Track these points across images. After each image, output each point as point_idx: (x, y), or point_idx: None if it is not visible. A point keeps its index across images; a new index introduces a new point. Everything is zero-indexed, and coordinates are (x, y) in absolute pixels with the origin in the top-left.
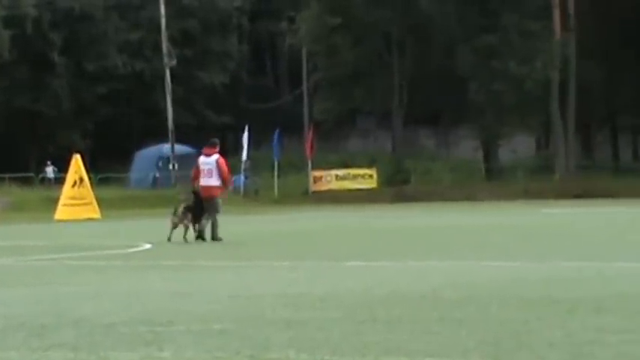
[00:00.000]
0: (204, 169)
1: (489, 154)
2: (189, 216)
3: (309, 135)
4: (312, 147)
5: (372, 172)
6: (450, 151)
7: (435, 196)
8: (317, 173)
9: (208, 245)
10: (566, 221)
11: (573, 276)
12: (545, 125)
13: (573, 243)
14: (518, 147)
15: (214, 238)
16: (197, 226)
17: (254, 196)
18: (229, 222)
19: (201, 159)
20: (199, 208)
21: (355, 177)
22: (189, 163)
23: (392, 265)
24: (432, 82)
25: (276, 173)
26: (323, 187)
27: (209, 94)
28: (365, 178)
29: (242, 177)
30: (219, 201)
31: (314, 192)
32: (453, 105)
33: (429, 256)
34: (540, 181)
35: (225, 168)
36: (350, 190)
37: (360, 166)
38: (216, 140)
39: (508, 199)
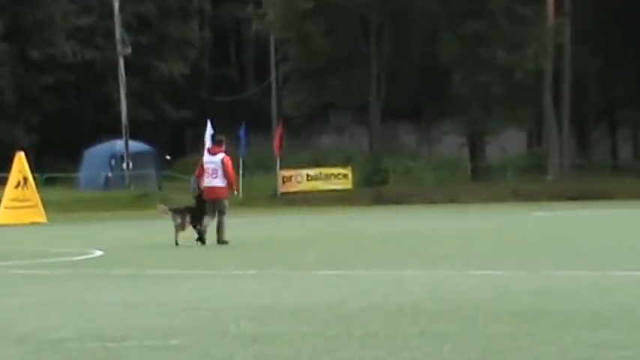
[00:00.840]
0: (208, 169)
1: (475, 152)
2: (187, 217)
3: (277, 131)
4: (280, 144)
5: (347, 171)
6: (433, 148)
7: (416, 198)
8: (286, 173)
9: (174, 252)
10: (559, 225)
11: (567, 286)
12: (537, 120)
13: (567, 250)
14: (507, 144)
15: (220, 240)
16: (198, 228)
17: None
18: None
19: (206, 157)
20: (200, 210)
21: (328, 177)
22: (144, 161)
23: (368, 275)
24: (413, 73)
25: (241, 173)
26: (293, 188)
27: (167, 86)
28: (339, 179)
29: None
30: (226, 202)
31: (283, 193)
32: (436, 98)
33: (409, 265)
34: (531, 181)
35: (231, 168)
36: (322, 192)
37: (333, 165)
38: (223, 137)
39: (496, 201)
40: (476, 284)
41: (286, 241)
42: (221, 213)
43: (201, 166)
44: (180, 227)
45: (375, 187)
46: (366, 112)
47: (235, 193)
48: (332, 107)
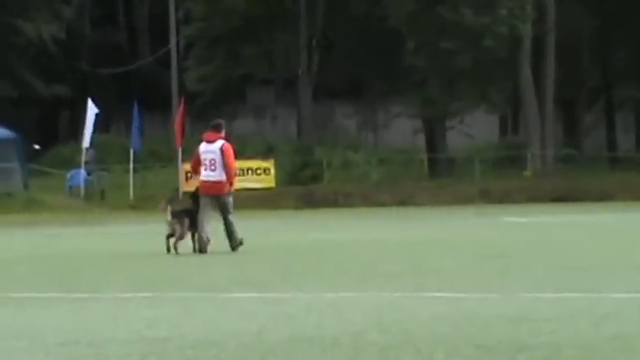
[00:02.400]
0: (205, 160)
1: (434, 141)
2: (186, 220)
3: (178, 113)
4: (183, 130)
5: (269, 165)
6: (379, 135)
7: (358, 200)
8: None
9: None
10: (541, 234)
11: (550, 312)
12: (512, 100)
13: (551, 265)
14: (475, 130)
15: (235, 248)
16: (195, 235)
17: (99, 199)
18: (62, 235)
19: (202, 147)
20: (197, 212)
21: (245, 172)
22: (4, 152)
23: (294, 297)
24: (354, 39)
25: (131, 167)
26: None
27: (35, 54)
28: (259, 175)
29: (82, 172)
30: (230, 200)
31: (186, 193)
32: (383, 71)
33: (347, 285)
34: (506, 178)
35: (230, 156)
36: (237, 191)
37: (251, 157)
38: (221, 122)
39: (460, 204)
40: (433, 309)
41: (189, 254)
42: (225, 213)
43: (197, 156)
44: (179, 237)
45: (305, 186)
46: (293, 88)
47: (232, 189)
48: (249, 82)
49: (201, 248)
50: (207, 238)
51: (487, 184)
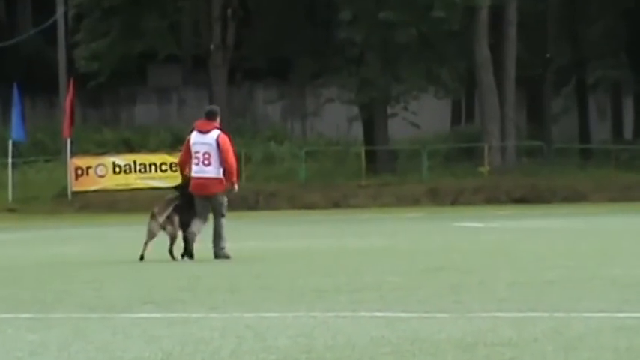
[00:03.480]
0: (197, 153)
1: (373, 131)
2: (176, 220)
3: (67, 97)
4: (72, 117)
5: (177, 159)
6: (308, 124)
7: (282, 201)
8: (81, 162)
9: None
10: (499, 242)
11: (510, 335)
12: (467, 82)
13: (511, 279)
14: (422, 118)
15: (218, 254)
16: (185, 234)
17: None
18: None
19: (194, 137)
20: (187, 208)
21: (147, 169)
22: None
23: (206, 318)
24: (277, 9)
25: (10, 162)
26: (92, 185)
27: None
28: (164, 172)
29: None
30: (224, 200)
31: (76, 193)
32: (312, 47)
33: (270, 303)
34: (458, 174)
35: (229, 150)
36: (138, 191)
37: (155, 151)
38: (216, 108)
39: (404, 206)
40: (373, 332)
41: (81, 266)
42: (218, 215)
43: (187, 148)
44: (172, 238)
45: None
46: (204, 68)
47: (235, 189)
48: (152, 60)
49: (187, 248)
50: (193, 237)
51: (436, 183)
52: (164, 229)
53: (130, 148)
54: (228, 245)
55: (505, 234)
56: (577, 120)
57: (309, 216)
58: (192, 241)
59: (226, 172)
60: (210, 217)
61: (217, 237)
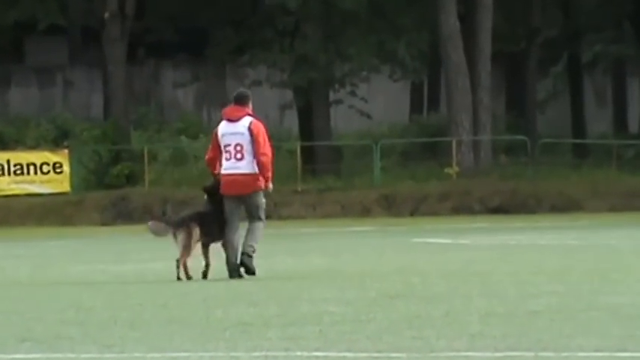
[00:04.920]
0: (228, 146)
1: (312, 121)
2: (196, 229)
3: None
4: None
5: (62, 158)
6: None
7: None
8: None
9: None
10: (471, 262)
11: None
12: (430, 60)
13: (487, 309)
14: (373, 106)
15: (248, 268)
16: (206, 249)
17: None
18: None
19: (222, 128)
20: (216, 216)
21: (25, 171)
22: None
23: None
24: None
25: None
26: None
27: None
28: (45, 174)
29: None
30: (262, 201)
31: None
32: (234, 17)
33: (181, 340)
34: (419, 177)
35: (265, 141)
36: (12, 198)
37: (34, 148)
38: (247, 92)
39: (351, 216)
40: None
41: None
42: (253, 218)
43: (216, 142)
44: (186, 249)
45: (116, 189)
46: (96, 42)
47: (269, 188)
48: (29, 33)
49: (234, 266)
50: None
51: (392, 188)
52: (175, 236)
53: (2, 143)
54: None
55: (479, 252)
56: (569, 108)
57: None
58: (233, 248)
59: (260, 166)
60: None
61: (248, 241)
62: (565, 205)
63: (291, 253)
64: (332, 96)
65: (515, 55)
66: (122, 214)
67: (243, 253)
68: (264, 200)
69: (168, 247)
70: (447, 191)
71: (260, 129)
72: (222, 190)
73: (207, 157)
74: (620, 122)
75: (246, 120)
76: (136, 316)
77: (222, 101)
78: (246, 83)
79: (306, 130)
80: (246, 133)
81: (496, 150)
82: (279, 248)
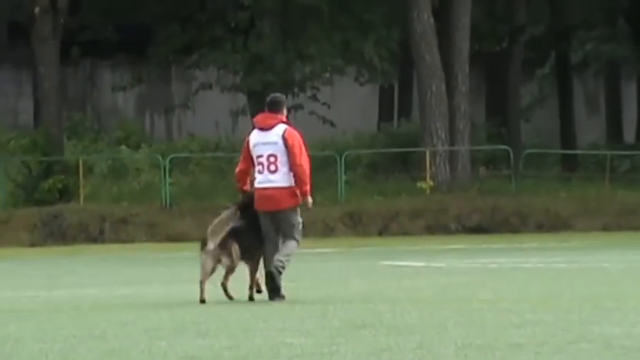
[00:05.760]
0: (261, 157)
1: None
2: (235, 246)
3: None
4: None
5: None
6: (174, 121)
7: (138, 230)
8: None
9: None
10: (446, 287)
11: None
12: (401, 59)
13: (463, 340)
14: (338, 113)
15: (275, 293)
16: (250, 268)
17: None
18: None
19: (254, 137)
20: (251, 231)
21: None
22: None
23: None
24: None
25: None
26: None
27: None
28: None
29: None
30: (298, 220)
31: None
32: (180, 13)
33: None
34: (389, 192)
35: (301, 150)
36: None
37: None
38: (282, 97)
39: (310, 235)
40: None
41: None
42: (288, 237)
43: (247, 152)
44: (229, 270)
45: (48, 206)
46: (25, 40)
47: (309, 202)
48: None
49: (272, 289)
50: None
51: (358, 204)
52: (219, 261)
53: None
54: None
55: (455, 276)
56: (557, 114)
57: (175, 251)
58: (279, 271)
59: (296, 178)
60: None
61: (280, 255)
62: (552, 224)
63: (245, 277)
64: (291, 101)
65: (496, 55)
66: (54, 234)
67: (270, 289)
68: (300, 219)
69: (104, 271)
70: (420, 208)
71: (295, 137)
72: (256, 205)
73: (237, 169)
74: (614, 131)
75: (280, 128)
76: (69, 349)
77: (167, 106)
78: (195, 87)
79: None
80: (280, 142)
81: (475, 162)
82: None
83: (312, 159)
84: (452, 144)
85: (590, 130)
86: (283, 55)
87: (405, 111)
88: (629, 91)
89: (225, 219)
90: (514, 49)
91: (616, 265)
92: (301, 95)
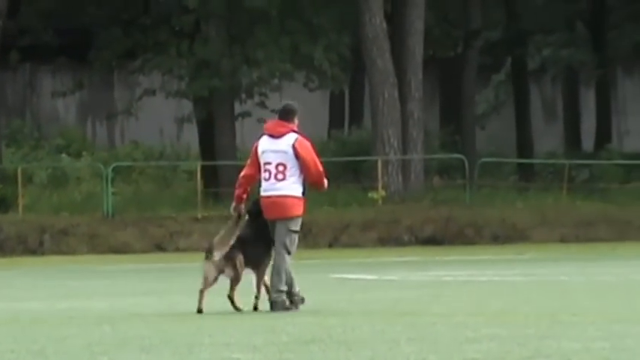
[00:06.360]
0: (269, 164)
1: (214, 137)
2: (239, 258)
3: None
4: None
5: None
6: (117, 128)
7: (78, 241)
8: None
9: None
10: (398, 301)
11: None
12: (352, 64)
13: (416, 356)
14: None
15: (277, 302)
16: (257, 277)
17: None
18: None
19: (263, 144)
20: (257, 239)
21: None
22: None
23: None
24: None
25: None
26: None
27: None
28: None
29: None
30: (296, 228)
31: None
32: (123, 16)
33: None
34: (339, 202)
35: (313, 159)
36: None
37: None
38: (294, 106)
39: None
40: None
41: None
42: (280, 246)
43: (255, 158)
44: (235, 280)
45: None
46: None
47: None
48: None
49: (294, 299)
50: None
51: (307, 215)
52: (222, 271)
53: None
54: (296, 284)
55: (408, 290)
56: (513, 122)
57: (118, 263)
58: (279, 275)
59: (313, 183)
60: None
61: (276, 277)
62: (508, 235)
63: (190, 291)
64: (238, 108)
65: (451, 60)
66: None
67: (272, 303)
68: (298, 229)
69: (43, 284)
70: (372, 219)
71: (307, 148)
72: (266, 214)
73: (242, 173)
74: (572, 139)
75: (291, 137)
76: None
77: (109, 113)
78: (138, 93)
79: (208, 148)
80: (290, 151)
81: (428, 171)
82: (176, 285)
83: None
84: (404, 152)
85: (547, 138)
86: (230, 60)
87: (356, 118)
88: (587, 97)
89: (232, 228)
90: (469, 55)
91: (574, 277)
92: (249, 102)
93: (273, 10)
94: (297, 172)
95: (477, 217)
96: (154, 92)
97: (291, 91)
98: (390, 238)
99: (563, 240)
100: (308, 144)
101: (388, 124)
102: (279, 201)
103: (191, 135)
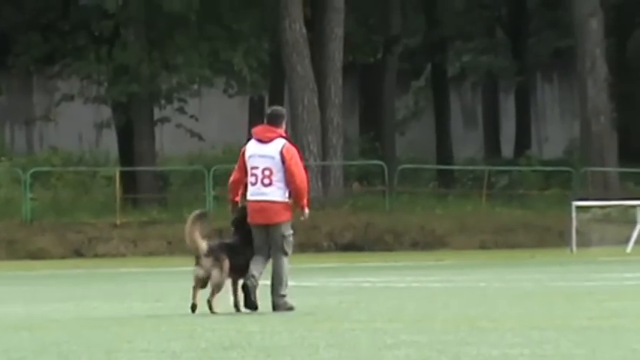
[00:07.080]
0: (255, 169)
1: (133, 142)
2: (226, 262)
3: None
4: None
5: None
6: (35, 133)
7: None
8: None
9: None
10: (316, 307)
11: None
12: (271, 70)
13: None
14: (205, 125)
15: (278, 304)
16: (239, 283)
17: None
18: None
19: (251, 148)
20: (244, 249)
21: None
22: None
23: None
24: None
25: None
26: None
27: None
28: None
29: None
30: (289, 232)
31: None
32: (41, 20)
33: None
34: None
35: (297, 165)
36: None
37: None
38: (282, 111)
39: (177, 253)
40: None
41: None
42: (279, 251)
43: (242, 163)
44: (216, 287)
45: None
46: None
47: (306, 213)
48: None
49: (248, 298)
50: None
51: (226, 220)
52: (210, 274)
53: None
54: (288, 292)
55: (327, 296)
56: (433, 128)
57: (37, 269)
58: (254, 288)
59: (295, 194)
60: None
61: (277, 281)
62: (427, 242)
63: (108, 296)
64: (157, 113)
65: (370, 66)
66: None
67: (274, 304)
68: (291, 232)
69: None
70: (291, 225)
71: (293, 154)
72: (249, 218)
73: (231, 179)
74: (492, 145)
75: (279, 143)
76: None
77: (28, 118)
78: (57, 98)
79: (127, 153)
80: (277, 157)
81: (348, 177)
82: (94, 291)
83: (179, 174)
84: (324, 158)
85: (467, 144)
86: (149, 65)
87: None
88: (507, 104)
89: (193, 219)
90: (388, 61)
91: (493, 284)
92: (168, 107)
93: (193, 15)
94: (284, 177)
95: (397, 224)
96: (72, 97)
97: (211, 96)
98: (309, 244)
99: (483, 246)
100: (295, 151)
101: (308, 131)
102: (267, 206)
103: (110, 140)
